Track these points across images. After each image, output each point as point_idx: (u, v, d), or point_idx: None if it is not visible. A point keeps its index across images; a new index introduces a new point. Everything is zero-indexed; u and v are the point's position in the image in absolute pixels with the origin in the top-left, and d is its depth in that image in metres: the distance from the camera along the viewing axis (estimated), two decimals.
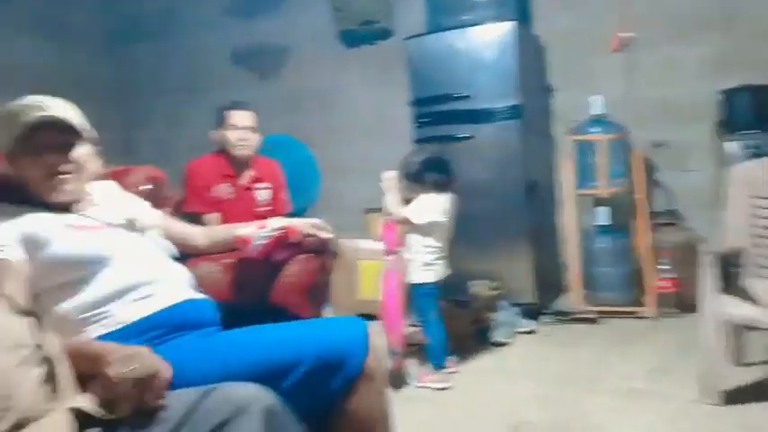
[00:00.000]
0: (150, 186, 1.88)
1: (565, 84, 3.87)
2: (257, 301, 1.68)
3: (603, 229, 3.51)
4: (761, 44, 3.41)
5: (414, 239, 2.68)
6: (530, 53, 3.61)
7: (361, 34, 4.34)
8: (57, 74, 4.42)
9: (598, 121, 3.46)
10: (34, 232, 1.29)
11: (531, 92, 3.54)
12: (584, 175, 3.50)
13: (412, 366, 2.71)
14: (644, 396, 2.34)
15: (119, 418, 0.98)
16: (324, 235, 1.68)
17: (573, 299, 3.54)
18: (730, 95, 3.34)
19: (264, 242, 1.62)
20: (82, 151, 1.40)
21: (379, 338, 1.71)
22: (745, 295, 2.19)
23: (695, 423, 2.07)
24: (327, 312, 1.85)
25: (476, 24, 3.49)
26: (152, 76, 5.07)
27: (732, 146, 3.20)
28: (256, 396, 1.00)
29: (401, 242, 2.70)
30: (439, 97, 3.54)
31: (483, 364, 2.87)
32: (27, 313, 1.00)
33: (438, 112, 3.56)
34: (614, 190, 3.43)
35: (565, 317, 3.42)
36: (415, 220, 2.64)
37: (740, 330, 2.39)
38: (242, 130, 2.82)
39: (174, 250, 1.63)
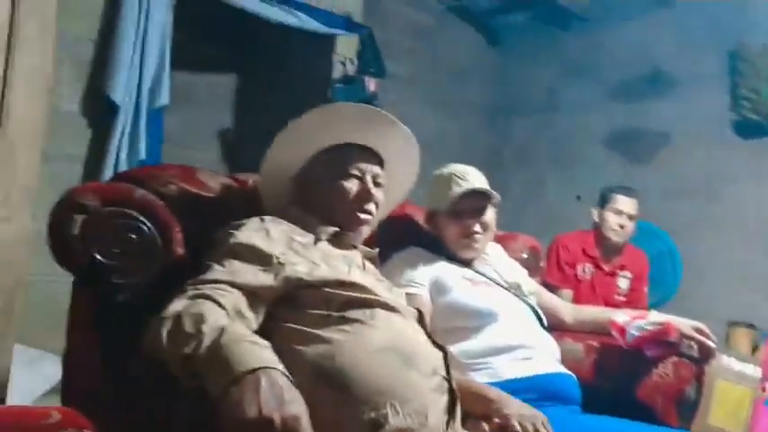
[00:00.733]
0: (527, 255, 2.00)
1: None
2: (618, 390, 1.65)
3: None
4: None
5: None
6: None
7: (763, 125, 3.98)
8: (443, 140, 5.03)
9: None
10: (442, 279, 1.51)
11: None
12: None
13: None
14: None
15: None
16: (707, 343, 1.57)
17: None
18: None
19: (640, 333, 1.59)
20: (490, 215, 1.60)
21: None
22: None
23: None
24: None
25: None
26: (521, 147, 5.37)
27: None
28: None
29: None
30: None
31: None
32: (438, 346, 1.17)
33: None
34: None
35: None
36: None
37: None
38: (623, 216, 2.82)
39: (545, 320, 1.71)
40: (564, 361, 1.63)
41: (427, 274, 1.53)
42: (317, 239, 1.24)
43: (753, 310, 3.56)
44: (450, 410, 1.08)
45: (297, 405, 0.83)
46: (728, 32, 4.10)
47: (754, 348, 3.05)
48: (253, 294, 1.07)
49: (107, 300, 1.13)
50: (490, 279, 1.60)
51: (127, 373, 1.05)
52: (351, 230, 1.31)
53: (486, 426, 1.12)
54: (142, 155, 2.83)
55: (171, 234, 1.21)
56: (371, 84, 3.77)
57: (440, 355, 1.14)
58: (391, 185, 1.44)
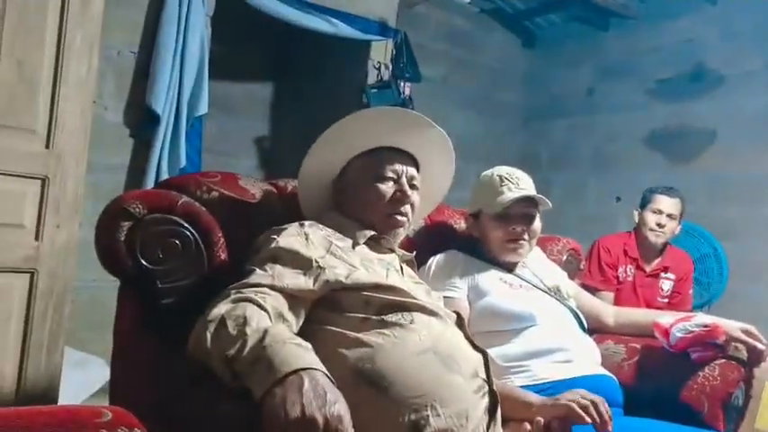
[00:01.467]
0: (567, 258, 1.98)
1: None
2: (661, 393, 1.62)
3: None
4: None
5: None
6: None
7: None
8: (478, 142, 5.02)
9: None
10: (480, 283, 1.51)
11: None
12: None
13: None
14: None
15: None
16: (757, 345, 1.53)
17: None
18: None
19: (684, 335, 1.56)
20: (538, 222, 1.59)
21: None
22: None
23: None
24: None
25: None
26: (559, 149, 5.32)
27: None
28: None
29: None
30: None
31: None
32: (478, 349, 1.17)
33: None
34: None
35: None
36: None
37: None
38: (663, 216, 2.77)
39: (585, 323, 1.69)
40: (606, 363, 1.61)
41: (465, 277, 1.53)
42: (356, 243, 1.25)
43: None
44: (491, 412, 1.08)
45: (340, 405, 0.84)
46: None
47: None
48: (293, 297, 1.09)
49: (153, 303, 1.16)
50: (529, 282, 1.59)
51: (172, 375, 1.07)
52: (386, 233, 1.32)
53: (528, 426, 1.12)
54: (182, 163, 2.90)
55: (213, 239, 1.24)
56: (406, 88, 3.78)
57: (480, 357, 1.14)
58: (427, 188, 1.44)
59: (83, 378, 2.11)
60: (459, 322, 1.23)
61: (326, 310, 1.12)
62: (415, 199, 1.36)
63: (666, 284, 2.84)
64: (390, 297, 1.13)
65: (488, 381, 1.11)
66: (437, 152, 1.43)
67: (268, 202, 1.44)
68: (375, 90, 3.70)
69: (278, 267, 1.11)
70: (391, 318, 1.10)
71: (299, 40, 3.92)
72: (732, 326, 1.56)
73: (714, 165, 4.27)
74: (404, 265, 1.34)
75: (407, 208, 1.34)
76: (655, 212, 2.79)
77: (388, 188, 1.32)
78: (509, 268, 1.60)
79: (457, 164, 1.50)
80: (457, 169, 1.51)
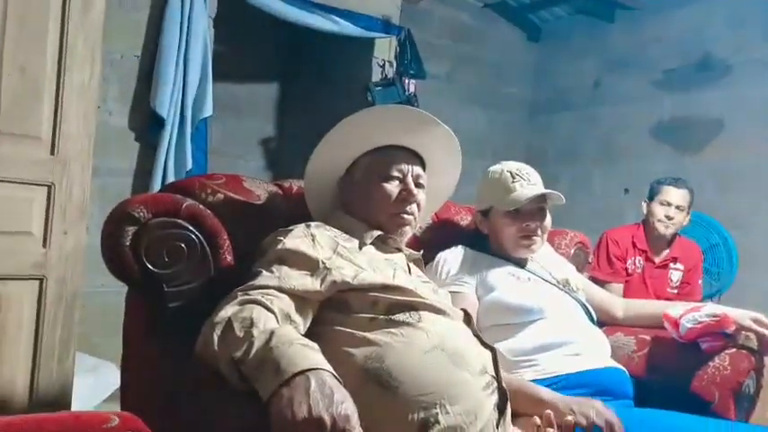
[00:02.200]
0: (575, 251, 1.98)
1: None
2: (672, 384, 1.61)
3: None
4: None
5: None
6: None
7: None
8: (484, 138, 5.01)
9: None
10: (488, 277, 1.51)
11: None
12: None
13: None
14: None
15: None
16: (767, 334, 1.52)
17: None
18: None
19: (694, 326, 1.56)
20: (549, 217, 1.58)
21: None
22: None
23: None
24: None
25: None
26: (566, 143, 5.30)
27: None
28: None
29: None
30: None
31: None
32: (486, 345, 1.17)
33: None
34: None
35: None
36: None
37: None
38: (672, 208, 2.75)
39: (594, 315, 1.68)
40: (616, 355, 1.61)
41: (474, 272, 1.53)
42: (362, 244, 1.25)
43: None
44: (501, 409, 1.08)
45: (347, 405, 0.84)
46: None
47: None
48: (300, 299, 1.09)
49: (160, 307, 1.16)
50: (538, 276, 1.58)
51: (181, 378, 1.08)
52: (393, 232, 1.32)
53: (537, 419, 1.12)
54: (189, 166, 2.91)
55: (219, 242, 1.24)
56: (411, 85, 3.78)
57: (488, 354, 1.14)
58: (434, 186, 1.44)
59: (96, 383, 2.12)
60: (467, 319, 1.22)
61: (334, 311, 1.12)
62: (422, 198, 1.35)
63: (676, 275, 2.83)
64: (398, 297, 1.13)
65: (497, 377, 1.11)
66: (443, 150, 1.43)
67: (273, 203, 1.44)
68: (380, 88, 3.70)
69: (285, 269, 1.11)
70: (399, 317, 1.10)
71: (303, 39, 3.92)
72: (742, 315, 1.55)
73: (722, 154, 4.24)
74: (411, 264, 1.34)
75: (413, 207, 1.34)
76: (663, 204, 2.77)
77: (393, 187, 1.32)
78: (520, 263, 1.60)
79: (463, 160, 1.49)
80: (463, 165, 1.50)
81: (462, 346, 1.10)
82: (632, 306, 1.79)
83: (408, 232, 1.37)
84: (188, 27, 2.90)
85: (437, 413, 0.99)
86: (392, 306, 1.12)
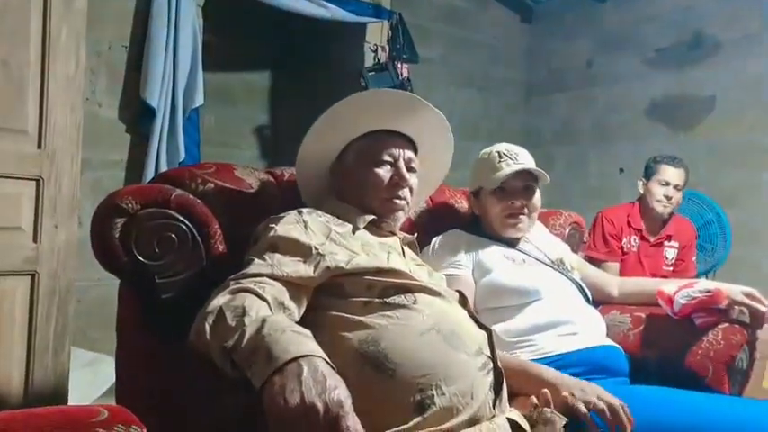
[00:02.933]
0: (570, 231, 1.98)
1: None
2: (667, 360, 1.62)
3: None
4: None
5: None
6: None
7: None
8: (479, 121, 5.00)
9: None
10: (483, 259, 1.51)
11: None
12: None
13: None
14: None
15: None
16: (759, 308, 1.53)
17: None
18: None
19: (687, 302, 1.56)
20: (537, 196, 1.58)
21: None
22: None
23: None
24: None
25: None
26: (561, 124, 5.29)
27: None
28: None
29: None
30: None
31: None
32: (482, 326, 1.16)
33: None
34: None
35: None
36: None
37: None
38: (670, 187, 2.76)
39: (589, 295, 1.69)
40: (611, 333, 1.62)
41: (469, 254, 1.53)
42: (356, 228, 1.25)
43: None
44: (497, 389, 1.08)
45: (340, 390, 0.83)
46: None
47: None
48: (294, 285, 1.08)
49: (152, 299, 1.15)
50: (532, 256, 1.59)
51: (175, 369, 1.07)
52: (386, 217, 1.31)
53: (534, 398, 1.12)
54: (181, 156, 2.89)
55: (210, 231, 1.23)
56: (404, 69, 3.75)
57: (484, 334, 1.14)
58: (427, 170, 1.44)
59: (93, 378, 2.12)
60: (463, 301, 1.22)
61: (329, 296, 1.12)
62: (414, 182, 1.35)
63: (670, 253, 2.84)
64: (392, 279, 1.13)
65: (493, 358, 1.11)
66: (435, 134, 1.42)
67: (265, 191, 1.43)
68: (373, 73, 3.67)
69: (277, 256, 1.11)
70: (394, 299, 1.10)
71: (294, 26, 3.89)
72: (734, 290, 1.56)
73: (715, 131, 4.24)
74: (405, 248, 1.34)
75: (406, 192, 1.33)
76: (662, 184, 2.77)
77: (385, 172, 1.31)
78: (511, 244, 1.60)
79: (458, 143, 1.49)
80: (459, 148, 1.50)
81: (458, 328, 1.10)
82: (627, 284, 1.80)
83: (401, 217, 1.36)
84: (176, 16, 2.87)
85: (433, 394, 0.99)
86: (387, 289, 1.11)
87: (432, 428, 0.97)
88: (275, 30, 4.21)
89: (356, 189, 1.33)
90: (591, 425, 1.12)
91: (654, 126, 4.59)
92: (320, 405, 0.80)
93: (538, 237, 1.69)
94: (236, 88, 4.28)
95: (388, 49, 3.77)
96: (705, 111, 4.31)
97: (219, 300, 0.99)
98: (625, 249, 2.86)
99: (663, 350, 1.64)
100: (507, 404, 1.12)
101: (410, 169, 1.34)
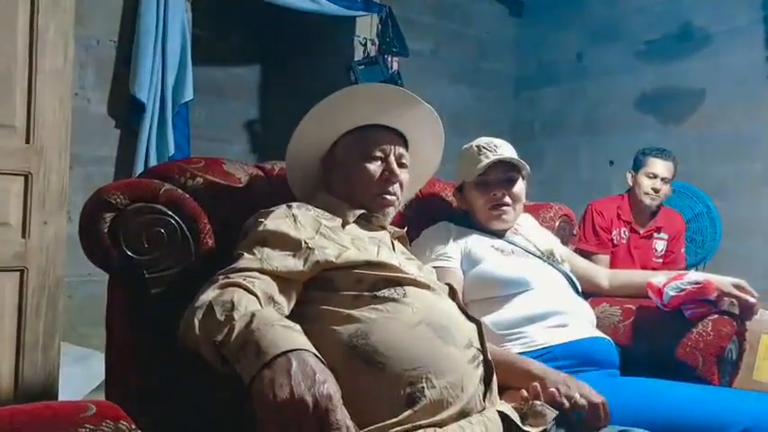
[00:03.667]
0: (560, 223, 1.98)
1: None
2: (657, 352, 1.63)
3: None
4: None
5: None
6: None
7: None
8: (469, 114, 4.99)
9: None
10: (472, 251, 1.51)
11: None
12: None
13: None
14: None
15: (536, 429, 1.07)
16: (749, 299, 1.54)
17: None
18: None
19: (676, 293, 1.57)
20: (520, 186, 1.58)
21: None
22: None
23: None
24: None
25: None
26: (551, 117, 5.29)
27: None
28: None
29: None
30: None
31: None
32: (472, 319, 1.17)
33: None
34: None
35: None
36: None
37: None
38: (658, 180, 2.78)
39: (579, 287, 1.69)
40: (601, 325, 1.63)
41: (458, 247, 1.53)
42: (345, 223, 1.25)
43: None
44: (487, 382, 1.09)
45: (329, 384, 0.83)
46: None
47: None
48: (284, 280, 1.08)
49: (141, 294, 1.15)
50: (522, 248, 1.59)
51: (164, 364, 1.07)
52: (376, 212, 1.31)
53: (524, 392, 1.12)
54: (171, 151, 2.88)
55: (199, 226, 1.23)
56: (394, 63, 3.75)
57: (473, 327, 1.14)
58: (417, 164, 1.43)
59: (84, 374, 2.11)
60: (452, 294, 1.23)
61: (319, 290, 1.12)
62: (404, 177, 1.35)
63: (660, 244, 2.86)
64: (382, 273, 1.13)
65: (483, 350, 1.11)
66: (426, 128, 1.42)
67: (255, 185, 1.42)
68: (363, 67, 3.67)
69: (266, 250, 1.11)
70: (384, 293, 1.10)
71: (283, 20, 3.87)
72: (724, 281, 1.57)
73: (705, 124, 4.25)
74: (395, 242, 1.34)
75: (396, 187, 1.33)
76: (650, 177, 2.80)
77: (376, 168, 1.31)
78: (499, 236, 1.60)
79: (449, 137, 1.49)
80: (449, 142, 1.50)
81: (448, 321, 1.10)
82: (616, 276, 1.81)
83: (392, 212, 1.36)
84: (165, 10, 2.86)
85: (423, 387, 0.99)
86: (377, 282, 1.11)
87: (422, 421, 0.98)
88: (265, 23, 4.19)
89: (346, 184, 1.33)
90: (572, 420, 1.13)
91: (644, 118, 4.60)
92: (309, 399, 0.80)
93: (527, 228, 1.69)
94: (225, 83, 4.26)
95: (377, 43, 3.76)
96: (695, 103, 4.32)
97: (209, 294, 0.99)
98: (615, 241, 2.87)
99: (653, 342, 1.65)
100: (498, 397, 1.13)
101: (401, 165, 1.34)
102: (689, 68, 4.32)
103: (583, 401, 1.14)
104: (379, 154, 1.32)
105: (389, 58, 3.71)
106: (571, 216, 2.04)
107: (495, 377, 1.11)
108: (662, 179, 2.79)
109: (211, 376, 0.95)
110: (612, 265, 2.79)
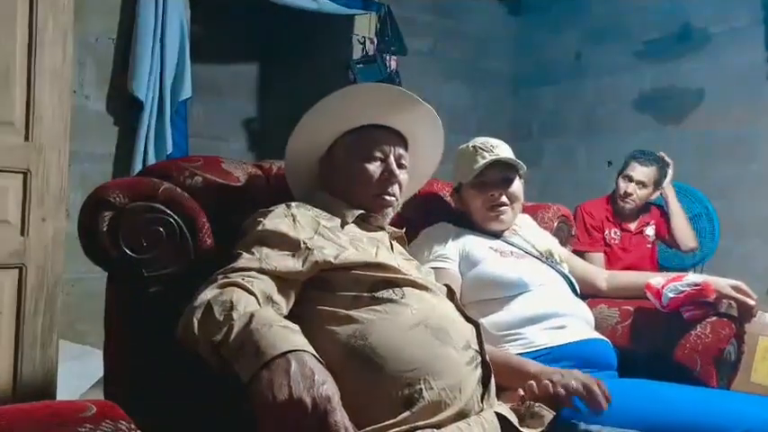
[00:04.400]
0: (558, 224, 1.98)
1: None
2: (655, 353, 1.63)
3: None
4: None
5: None
6: None
7: None
8: (468, 113, 4.99)
9: None
10: (470, 252, 1.51)
11: None
12: None
13: None
14: None
15: (533, 430, 1.07)
16: (748, 301, 1.54)
17: None
18: None
19: (676, 295, 1.57)
20: (517, 186, 1.58)
21: None
22: None
23: None
24: None
25: None
26: (549, 117, 5.29)
27: None
28: None
29: None
30: None
31: None
32: (470, 320, 1.17)
33: None
34: None
35: None
36: None
37: None
38: (632, 184, 2.82)
39: (577, 288, 1.69)
40: (600, 327, 1.63)
41: (456, 248, 1.53)
42: (344, 223, 1.24)
43: None
44: (485, 383, 1.09)
45: (328, 385, 0.83)
46: None
47: None
48: (282, 280, 1.08)
49: (140, 293, 1.15)
50: (520, 249, 1.59)
51: (162, 364, 1.07)
52: (375, 212, 1.31)
53: (521, 391, 1.13)
54: (169, 149, 2.88)
55: (198, 225, 1.23)
56: (392, 62, 3.75)
57: (471, 328, 1.14)
58: (417, 164, 1.43)
59: (82, 371, 2.11)
60: (450, 295, 1.23)
61: (317, 291, 1.12)
62: (404, 178, 1.35)
63: (650, 230, 2.91)
64: (381, 274, 1.13)
65: (481, 352, 1.11)
66: (425, 129, 1.42)
67: (254, 184, 1.42)
68: (361, 65, 3.67)
69: (265, 250, 1.10)
70: (382, 294, 1.10)
71: (282, 18, 3.87)
72: (722, 283, 1.57)
73: (703, 124, 4.25)
74: (394, 242, 1.34)
75: (395, 188, 1.33)
76: (624, 179, 2.84)
77: (375, 168, 1.31)
78: (497, 236, 1.60)
79: (447, 136, 1.48)
80: (447, 141, 1.50)
81: (446, 322, 1.10)
82: (615, 277, 1.81)
83: (391, 213, 1.36)
84: (164, 8, 2.85)
85: (421, 389, 1.00)
86: (375, 283, 1.11)
87: (420, 422, 0.98)
88: (263, 21, 4.19)
89: (345, 184, 1.33)
90: (573, 408, 1.13)
91: (642, 118, 4.59)
92: (308, 400, 0.80)
93: (526, 229, 1.69)
94: (224, 80, 4.26)
95: (376, 41, 3.76)
96: (694, 103, 4.32)
97: (207, 294, 0.99)
98: (607, 241, 2.90)
99: (651, 343, 1.65)
100: (495, 398, 1.13)
101: (400, 165, 1.34)
102: (688, 69, 4.32)
103: (578, 385, 1.14)
104: (378, 154, 1.32)
105: (388, 57, 3.71)
106: (569, 217, 2.04)
107: (493, 378, 1.11)
108: (637, 182, 2.82)
109: (210, 376, 0.95)
110: (608, 265, 2.81)
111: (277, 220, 1.16)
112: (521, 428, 1.06)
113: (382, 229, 1.33)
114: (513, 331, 1.41)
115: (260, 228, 1.14)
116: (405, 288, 1.12)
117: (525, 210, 1.87)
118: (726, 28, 4.11)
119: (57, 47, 1.69)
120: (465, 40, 5.10)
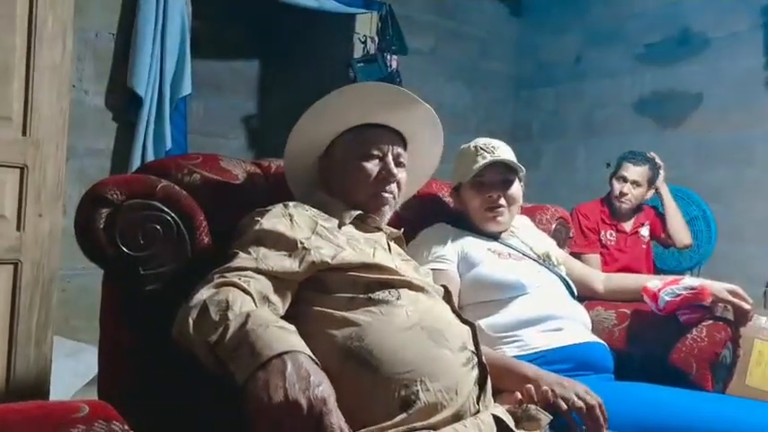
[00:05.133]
0: (556, 226, 1.98)
1: None
2: (652, 357, 1.63)
3: None
4: None
5: None
6: None
7: None
8: (468, 113, 4.99)
9: None
10: (469, 254, 1.51)
11: None
12: None
13: None
14: None
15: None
16: (743, 305, 1.55)
17: None
18: None
19: (672, 298, 1.57)
20: (516, 188, 1.58)
21: None
22: None
23: None
24: None
25: None
26: (549, 119, 5.29)
27: None
28: None
29: None
30: None
31: None
32: (465, 322, 1.17)
33: None
34: None
35: None
36: None
37: None
38: (627, 184, 2.83)
39: (575, 290, 1.69)
40: (596, 329, 1.63)
41: (454, 249, 1.53)
42: (342, 223, 1.24)
43: None
44: (481, 384, 1.08)
45: (324, 387, 0.83)
46: None
47: None
48: (279, 280, 1.08)
49: (136, 290, 1.14)
50: (518, 251, 1.59)
51: (157, 363, 1.06)
52: (373, 212, 1.31)
53: (518, 394, 1.12)
54: (168, 145, 2.87)
55: (195, 223, 1.22)
56: (393, 61, 3.74)
57: (468, 330, 1.14)
58: (416, 164, 1.43)
59: (76, 368, 2.10)
60: (447, 296, 1.22)
61: (313, 291, 1.11)
62: (402, 177, 1.34)
63: (645, 230, 2.92)
64: (377, 275, 1.12)
65: (477, 353, 1.11)
66: (425, 128, 1.41)
67: (252, 182, 1.42)
68: (362, 64, 3.66)
69: (262, 250, 1.10)
70: (378, 295, 1.10)
71: (283, 15, 3.86)
72: (719, 287, 1.57)
73: (701, 127, 4.26)
74: (391, 243, 1.33)
75: (393, 187, 1.33)
76: (619, 180, 2.86)
77: (373, 167, 1.31)
78: (495, 238, 1.60)
79: (447, 136, 1.48)
80: (447, 142, 1.49)
81: (441, 323, 1.10)
82: (612, 280, 1.81)
83: (388, 212, 1.36)
84: (164, 3, 2.84)
85: (418, 390, 0.99)
86: (372, 285, 1.11)
87: (416, 424, 0.98)
88: (264, 19, 4.18)
89: (343, 182, 1.32)
90: (570, 422, 1.13)
91: (641, 121, 4.60)
92: (304, 402, 0.80)
93: (524, 231, 1.69)
94: (223, 77, 4.25)
95: (377, 41, 3.76)
96: (692, 107, 4.33)
97: (203, 293, 0.99)
98: (603, 242, 2.91)
99: (647, 346, 1.65)
100: (492, 400, 1.12)
101: (398, 164, 1.34)
102: (687, 72, 4.32)
103: (580, 403, 1.14)
104: (376, 153, 1.31)
105: (388, 56, 3.71)
106: (567, 219, 2.04)
107: (489, 380, 1.11)
108: (631, 182, 2.85)
109: (205, 376, 0.94)
110: (605, 267, 2.82)
111: (274, 219, 1.16)
112: (516, 431, 1.06)
113: (380, 229, 1.32)
114: (509, 333, 1.41)
115: (257, 227, 1.14)
116: (400, 290, 1.12)
117: (523, 211, 1.86)
118: (725, 33, 4.12)
119: (56, 41, 1.68)
120: (466, 40, 5.10)
